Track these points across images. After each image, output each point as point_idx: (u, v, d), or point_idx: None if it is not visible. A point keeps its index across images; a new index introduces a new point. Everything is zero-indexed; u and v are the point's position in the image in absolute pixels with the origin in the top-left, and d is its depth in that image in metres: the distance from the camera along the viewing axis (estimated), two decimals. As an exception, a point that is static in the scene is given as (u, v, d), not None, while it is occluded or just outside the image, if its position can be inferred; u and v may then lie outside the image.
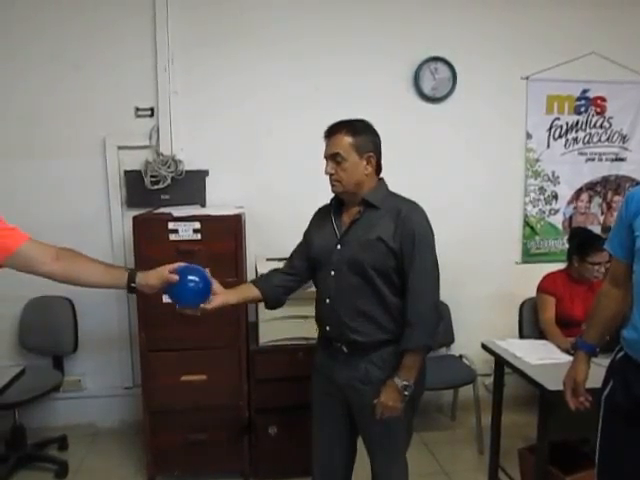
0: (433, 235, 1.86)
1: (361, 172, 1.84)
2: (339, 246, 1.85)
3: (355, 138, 1.82)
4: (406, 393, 1.79)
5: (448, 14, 3.30)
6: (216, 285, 1.85)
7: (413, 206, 1.87)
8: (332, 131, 1.85)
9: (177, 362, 2.68)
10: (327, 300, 1.88)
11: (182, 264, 1.77)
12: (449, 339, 3.42)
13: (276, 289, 2.00)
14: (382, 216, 1.83)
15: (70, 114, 3.12)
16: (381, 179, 1.94)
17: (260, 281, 2.05)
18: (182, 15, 3.10)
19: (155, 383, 2.69)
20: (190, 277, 1.75)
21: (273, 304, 2.03)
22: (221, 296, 1.87)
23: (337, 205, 1.94)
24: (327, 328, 1.90)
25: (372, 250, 1.79)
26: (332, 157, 1.83)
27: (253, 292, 1.99)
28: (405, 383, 1.78)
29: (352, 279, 1.82)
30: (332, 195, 1.96)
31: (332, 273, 1.86)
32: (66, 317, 3.14)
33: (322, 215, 2.01)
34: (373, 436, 1.94)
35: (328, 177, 1.87)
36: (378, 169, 1.91)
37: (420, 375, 1.90)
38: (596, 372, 1.77)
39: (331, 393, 1.95)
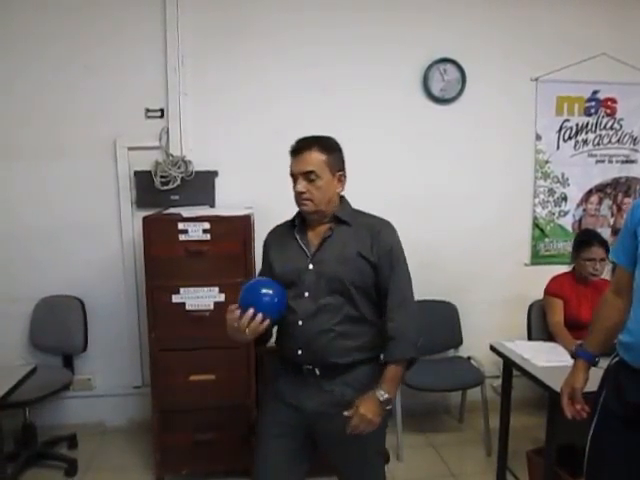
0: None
1: (333, 190, 1.78)
2: (311, 266, 1.75)
3: (328, 156, 1.76)
4: (388, 407, 1.70)
5: (457, 15, 3.29)
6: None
7: (385, 222, 1.83)
8: (303, 147, 1.76)
9: (186, 362, 2.70)
10: (300, 322, 1.74)
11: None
12: (457, 341, 3.41)
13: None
14: (355, 232, 1.78)
15: (81, 115, 3.15)
16: (343, 197, 1.87)
17: None
18: (192, 17, 3.12)
19: (164, 382, 2.70)
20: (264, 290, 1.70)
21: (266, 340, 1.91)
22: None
23: (301, 224, 1.84)
24: (298, 352, 1.74)
25: (352, 266, 1.73)
26: (304, 175, 1.74)
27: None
28: (387, 396, 1.69)
29: (330, 299, 1.73)
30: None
31: (306, 294, 1.74)
32: (76, 317, 3.17)
33: (279, 236, 1.90)
34: (346, 460, 1.82)
35: (295, 196, 1.78)
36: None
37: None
38: (597, 375, 1.74)
39: (289, 424, 1.79)
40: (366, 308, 1.77)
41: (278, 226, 1.95)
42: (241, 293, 1.71)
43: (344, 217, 1.80)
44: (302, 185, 1.75)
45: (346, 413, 1.66)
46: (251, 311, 1.64)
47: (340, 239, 1.77)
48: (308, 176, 1.74)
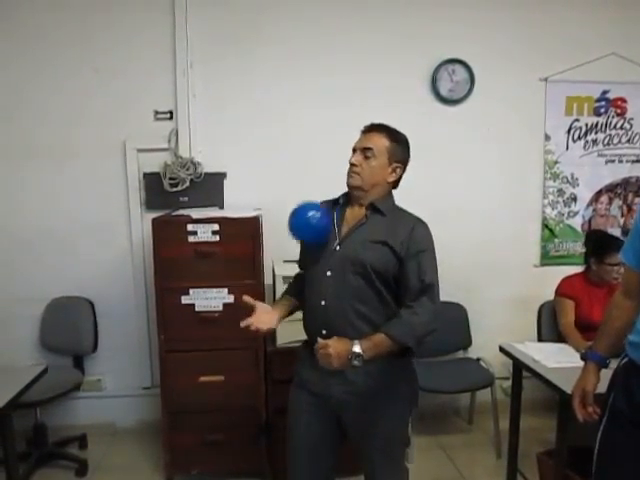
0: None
1: (383, 176, 1.82)
2: (338, 247, 1.79)
3: (392, 144, 1.81)
4: (355, 363, 1.64)
5: (466, 16, 3.28)
6: (263, 306, 1.86)
7: (421, 221, 1.84)
8: (372, 128, 1.84)
9: (195, 363, 2.71)
10: (322, 302, 1.78)
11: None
12: (466, 342, 3.40)
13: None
14: (388, 223, 1.79)
15: (90, 117, 3.17)
16: (391, 192, 1.90)
17: (292, 290, 2.02)
18: (201, 19, 3.13)
19: (173, 383, 2.71)
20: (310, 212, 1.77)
21: None
22: (274, 314, 1.86)
23: (344, 203, 1.89)
24: (323, 332, 1.76)
25: (375, 251, 1.75)
26: (363, 150, 1.80)
27: (293, 302, 1.97)
28: (359, 351, 1.64)
29: (353, 280, 1.75)
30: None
31: (328, 274, 1.78)
32: (87, 318, 3.19)
33: None
34: (374, 454, 1.85)
35: (348, 168, 1.82)
36: (396, 184, 1.89)
37: (413, 384, 1.89)
38: (606, 376, 1.73)
39: (317, 411, 1.84)
40: (386, 295, 1.77)
41: (323, 202, 1.94)
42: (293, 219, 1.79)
43: (381, 207, 1.82)
44: (356, 158, 1.81)
45: (319, 339, 1.69)
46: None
47: (371, 227, 1.79)
48: (365, 152, 1.80)
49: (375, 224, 1.80)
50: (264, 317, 1.83)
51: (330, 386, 1.79)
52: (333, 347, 1.65)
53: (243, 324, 1.78)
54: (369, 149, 1.79)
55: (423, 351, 1.93)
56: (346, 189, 1.89)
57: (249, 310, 1.82)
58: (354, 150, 1.84)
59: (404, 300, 1.76)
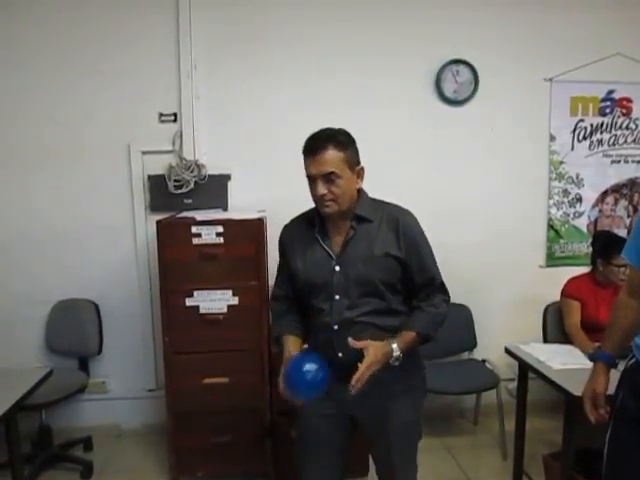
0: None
1: (354, 187, 1.73)
2: (338, 267, 1.72)
3: (345, 152, 1.68)
4: (397, 364, 1.68)
5: (470, 16, 3.28)
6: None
7: (404, 211, 1.80)
8: (318, 147, 1.67)
9: (199, 365, 2.71)
10: (335, 327, 1.73)
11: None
12: (472, 343, 3.39)
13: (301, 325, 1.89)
14: (378, 228, 1.74)
15: (95, 120, 3.17)
16: (361, 189, 1.79)
17: (294, 329, 1.87)
18: (205, 22, 3.14)
19: (178, 385, 2.71)
20: (307, 366, 1.67)
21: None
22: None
23: (321, 223, 1.78)
24: (339, 355, 1.72)
25: (379, 265, 1.71)
26: (324, 177, 1.66)
27: (299, 341, 1.85)
28: (399, 354, 1.67)
29: (363, 298, 1.72)
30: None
31: (337, 297, 1.72)
32: (91, 320, 3.19)
33: (298, 236, 1.84)
34: (391, 447, 1.83)
35: (315, 199, 1.72)
36: None
37: (422, 371, 1.90)
38: (615, 377, 1.72)
39: (330, 413, 1.81)
40: (395, 300, 1.76)
41: (293, 222, 1.90)
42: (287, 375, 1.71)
43: (364, 214, 1.75)
44: (323, 187, 1.67)
45: (350, 339, 1.64)
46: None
47: (364, 237, 1.74)
48: (329, 177, 1.66)
49: (366, 234, 1.74)
50: None
51: (344, 387, 1.71)
52: (375, 354, 1.62)
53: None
54: (331, 173, 1.66)
55: (428, 352, 1.92)
56: None
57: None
58: (311, 178, 1.70)
59: (418, 295, 1.78)
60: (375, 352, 1.64)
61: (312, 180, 1.71)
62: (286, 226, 1.92)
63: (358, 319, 1.72)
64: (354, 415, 1.83)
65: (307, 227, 1.81)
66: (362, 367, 1.61)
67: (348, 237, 1.74)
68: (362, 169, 1.76)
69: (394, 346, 1.67)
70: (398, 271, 1.74)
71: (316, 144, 1.69)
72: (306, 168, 1.72)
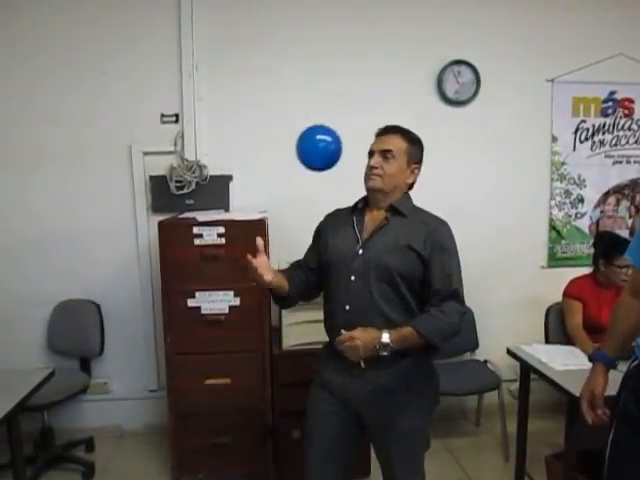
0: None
1: (402, 178, 1.83)
2: (361, 251, 1.78)
3: (409, 145, 1.83)
4: (384, 353, 1.66)
5: (472, 17, 3.28)
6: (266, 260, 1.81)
7: (442, 221, 1.85)
8: (388, 130, 1.86)
9: (201, 365, 2.71)
10: (347, 307, 1.78)
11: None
12: (474, 344, 3.38)
13: (300, 287, 1.93)
14: (410, 224, 1.79)
15: (97, 120, 3.18)
16: (408, 193, 1.90)
17: (288, 275, 1.93)
18: (207, 22, 3.14)
19: (180, 386, 2.72)
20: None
21: (288, 303, 1.99)
22: (273, 272, 1.82)
23: (362, 208, 1.89)
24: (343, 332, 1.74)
25: (400, 255, 1.74)
26: (382, 152, 1.81)
27: (287, 282, 1.88)
28: (388, 341, 1.66)
29: (377, 285, 1.75)
30: (350, 202, 1.92)
31: (352, 278, 1.77)
32: (93, 320, 3.19)
33: (339, 218, 1.93)
34: (394, 452, 1.84)
35: (366, 171, 1.83)
36: (412, 185, 1.91)
37: (435, 382, 1.89)
38: (617, 379, 1.71)
39: (336, 411, 1.84)
40: (412, 299, 1.77)
41: (337, 210, 1.98)
42: None
43: (401, 208, 1.82)
44: (376, 160, 1.80)
45: (343, 331, 1.68)
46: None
47: (394, 229, 1.79)
48: (385, 154, 1.80)
49: (397, 226, 1.79)
50: (265, 264, 1.79)
51: (352, 386, 1.79)
52: (360, 338, 1.65)
53: (247, 259, 1.74)
54: (388, 151, 1.80)
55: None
56: (355, 196, 1.90)
57: (254, 254, 1.78)
58: (371, 153, 1.84)
59: (431, 300, 1.76)
60: (363, 331, 1.67)
61: (370, 155, 1.84)
62: (331, 213, 2.00)
63: (369, 302, 1.75)
64: (359, 414, 1.84)
65: (348, 213, 1.91)
66: (348, 332, 1.66)
67: (379, 226, 1.80)
68: (417, 169, 1.88)
69: (384, 334, 1.66)
70: (418, 268, 1.75)
71: (387, 128, 1.87)
72: (371, 146, 1.86)
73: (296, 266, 1.99)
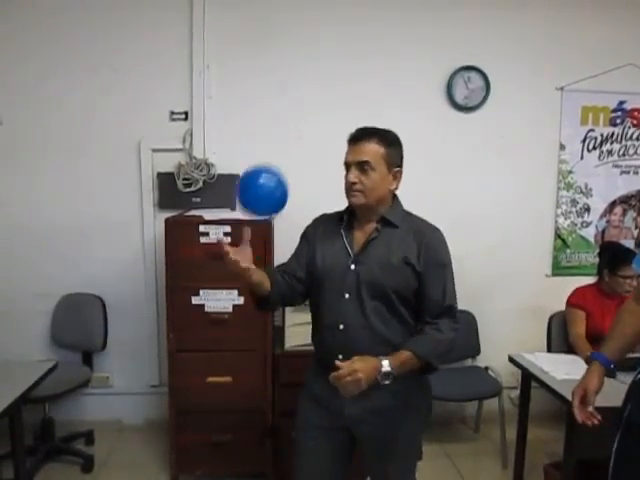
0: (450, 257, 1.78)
1: (386, 187, 1.71)
2: (353, 266, 1.70)
3: (387, 149, 1.68)
4: (385, 382, 1.57)
5: (482, 23, 3.28)
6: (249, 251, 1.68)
7: (434, 228, 1.77)
8: (362, 136, 1.69)
9: (203, 363, 2.72)
10: (341, 326, 1.69)
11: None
12: (475, 350, 3.38)
13: (283, 293, 1.80)
14: (402, 236, 1.71)
15: (106, 116, 3.20)
16: (396, 196, 1.79)
17: (276, 280, 1.79)
18: (218, 20, 3.15)
19: (181, 383, 2.73)
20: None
21: (268, 306, 1.82)
22: (255, 269, 1.69)
23: (349, 220, 1.77)
24: (339, 357, 1.62)
25: (395, 273, 1.67)
26: (358, 165, 1.66)
27: (267, 284, 1.75)
28: (389, 369, 1.56)
29: (373, 304, 1.68)
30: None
31: (346, 296, 1.69)
32: (97, 315, 3.21)
33: (326, 227, 1.82)
34: (390, 467, 1.79)
35: (346, 187, 1.71)
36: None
37: (428, 398, 1.86)
38: (621, 391, 1.69)
39: (327, 426, 1.77)
40: (405, 313, 1.72)
41: (325, 215, 1.88)
42: None
43: (392, 219, 1.73)
44: (354, 175, 1.67)
45: (338, 363, 1.54)
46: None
47: (386, 242, 1.71)
48: (362, 166, 1.66)
49: (389, 238, 1.71)
50: (248, 255, 1.67)
51: (345, 403, 1.69)
52: (362, 370, 1.53)
53: (225, 248, 1.63)
54: (365, 162, 1.66)
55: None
56: None
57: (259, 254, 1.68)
58: (347, 165, 1.70)
59: (424, 316, 1.71)
60: (363, 361, 1.56)
61: (347, 167, 1.71)
62: (317, 219, 1.90)
63: (365, 322, 1.68)
64: (353, 429, 1.77)
65: (336, 222, 1.80)
66: (346, 364, 1.54)
67: (370, 238, 1.72)
68: (400, 172, 1.75)
69: (384, 362, 1.58)
70: (414, 283, 1.69)
71: (360, 134, 1.70)
72: (345, 155, 1.72)
73: (282, 271, 1.83)
